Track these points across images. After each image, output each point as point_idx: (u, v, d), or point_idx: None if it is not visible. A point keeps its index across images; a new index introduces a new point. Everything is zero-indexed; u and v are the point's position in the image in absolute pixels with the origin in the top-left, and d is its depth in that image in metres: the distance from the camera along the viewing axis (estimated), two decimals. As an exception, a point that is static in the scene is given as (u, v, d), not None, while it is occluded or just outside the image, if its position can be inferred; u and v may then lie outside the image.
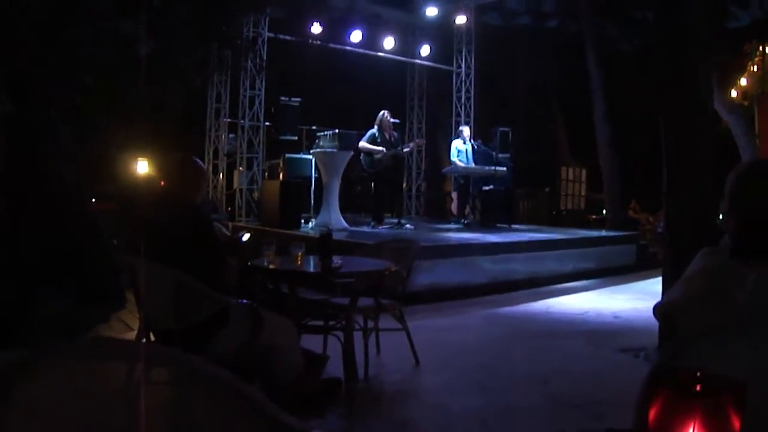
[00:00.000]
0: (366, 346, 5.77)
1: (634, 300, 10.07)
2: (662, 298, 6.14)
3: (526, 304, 9.66)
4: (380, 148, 13.12)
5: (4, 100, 8.58)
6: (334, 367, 5.18)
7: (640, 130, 20.94)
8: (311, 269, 5.54)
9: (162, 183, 4.80)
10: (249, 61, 12.23)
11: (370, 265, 5.78)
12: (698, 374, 1.85)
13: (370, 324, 5.95)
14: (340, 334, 5.27)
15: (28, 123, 8.66)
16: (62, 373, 1.61)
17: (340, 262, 5.25)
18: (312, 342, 5.43)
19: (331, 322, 5.49)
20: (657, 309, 2.76)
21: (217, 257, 4.36)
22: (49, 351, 1.62)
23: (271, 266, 5.22)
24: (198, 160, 4.74)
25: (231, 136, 17.01)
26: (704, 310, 2.43)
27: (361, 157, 13.36)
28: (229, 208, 16.48)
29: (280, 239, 10.60)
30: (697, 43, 6.86)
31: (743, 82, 20.01)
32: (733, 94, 19.00)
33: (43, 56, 8.03)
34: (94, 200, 11.21)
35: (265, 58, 14.33)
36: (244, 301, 4.42)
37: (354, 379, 5.23)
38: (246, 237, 5.01)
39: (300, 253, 5.40)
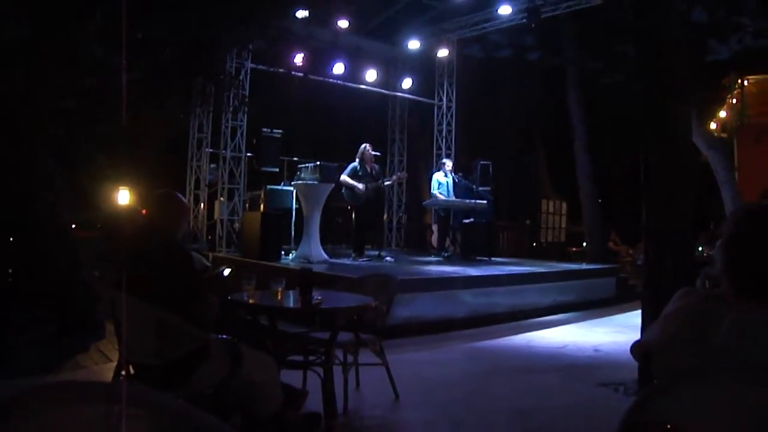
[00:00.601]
0: (345, 380, 5.76)
1: (614, 333, 10.11)
2: (640, 335, 6.17)
3: (507, 338, 9.66)
4: (361, 185, 13.15)
5: None
6: (314, 402, 5.17)
7: (620, 162, 21.10)
8: (291, 305, 5.53)
9: (144, 213, 4.80)
10: (232, 94, 12.25)
11: (349, 300, 5.78)
12: (668, 427, 1.87)
13: (350, 358, 5.94)
14: (320, 369, 5.26)
15: (10, 152, 8.65)
16: (38, 419, 1.60)
17: (320, 298, 5.24)
18: (291, 376, 5.41)
19: (311, 357, 5.47)
20: (634, 348, 2.78)
21: (197, 293, 4.35)
22: (23, 395, 1.61)
23: (251, 301, 5.22)
24: (180, 196, 4.74)
25: (212, 166, 17.01)
26: (680, 351, 2.45)
27: (343, 190, 13.39)
28: (210, 237, 16.44)
29: (260, 271, 10.62)
30: (676, 84, 6.94)
31: (722, 114, 20.21)
32: (713, 126, 19.18)
33: (26, 85, 8.04)
34: (74, 226, 11.16)
35: (247, 89, 14.36)
36: (224, 336, 4.41)
37: (333, 415, 5.21)
38: (227, 272, 5.02)
39: (280, 289, 5.40)
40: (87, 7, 7.97)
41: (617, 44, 22.97)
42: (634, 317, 8.99)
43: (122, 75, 7.27)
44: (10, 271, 8.97)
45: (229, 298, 5.21)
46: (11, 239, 9.23)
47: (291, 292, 5.69)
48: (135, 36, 7.91)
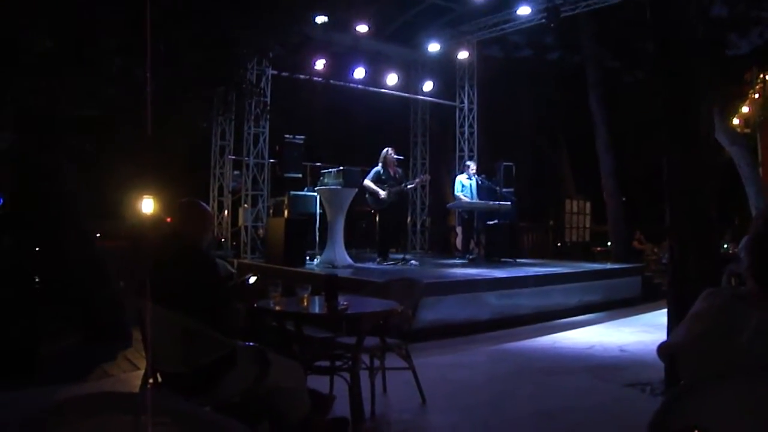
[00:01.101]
0: (372, 385, 5.75)
1: (640, 333, 10.06)
2: (667, 334, 6.15)
3: (533, 340, 9.63)
4: (384, 192, 13.17)
5: (7, 137, 8.67)
6: (341, 407, 5.18)
7: (644, 160, 20.98)
8: (317, 311, 5.55)
9: (168, 221, 4.83)
10: (253, 102, 12.28)
11: (375, 305, 5.76)
12: (695, 430, 1.86)
13: (377, 363, 5.94)
14: (347, 374, 5.28)
15: (34, 162, 8.74)
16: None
17: (345, 303, 5.25)
18: (318, 381, 5.42)
19: (338, 363, 5.49)
20: (660, 350, 2.77)
21: (223, 301, 4.37)
22: (55, 408, 1.63)
23: (277, 308, 5.24)
24: (204, 204, 4.76)
25: (236, 173, 17.11)
26: (707, 352, 2.45)
27: (366, 195, 13.41)
28: (234, 243, 16.53)
29: (285, 276, 10.66)
30: (697, 81, 6.90)
31: (745, 109, 20.08)
32: (735, 121, 19.05)
33: (49, 95, 8.11)
34: (98, 235, 11.25)
35: (269, 96, 14.37)
36: (251, 343, 4.42)
37: (361, 419, 5.23)
38: (252, 279, 5.04)
39: (306, 295, 5.42)
40: (109, 19, 8.03)
41: (636, 41, 22.88)
42: (660, 316, 8.93)
43: (145, 85, 7.32)
44: (36, 280, 9.06)
45: (256, 305, 5.23)
46: (37, 249, 9.33)
47: (317, 298, 5.71)
48: (157, 47, 7.96)
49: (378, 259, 13.68)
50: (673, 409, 1.89)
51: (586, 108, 21.38)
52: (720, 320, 2.47)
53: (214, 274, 4.47)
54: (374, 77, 17.68)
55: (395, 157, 13.73)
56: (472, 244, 15.29)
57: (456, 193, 14.77)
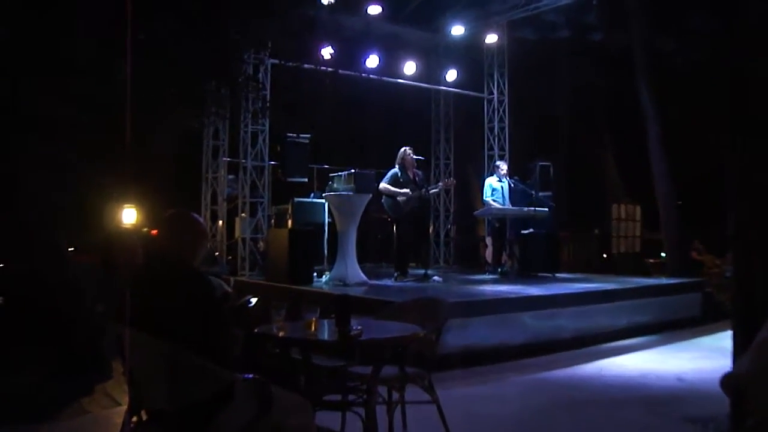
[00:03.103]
0: (390, 421, 5.72)
1: (701, 359, 10.02)
2: (732, 362, 6.11)
3: (574, 368, 9.60)
4: (405, 190, 13.17)
5: None
6: (355, 448, 5.19)
7: (702, 158, 20.84)
8: (326, 337, 5.54)
9: (153, 234, 4.82)
10: (251, 98, 12.27)
11: (393, 330, 5.73)
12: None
13: (395, 396, 5.92)
14: (361, 409, 5.26)
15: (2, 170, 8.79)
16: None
17: (359, 328, 5.23)
18: (328, 418, 5.42)
19: (351, 397, 5.47)
20: (724, 382, 2.76)
21: (218, 325, 4.37)
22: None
23: (281, 334, 5.25)
24: (195, 216, 4.75)
25: (231, 177, 17.14)
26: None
27: (383, 200, 13.40)
28: (230, 258, 16.54)
29: (289, 296, 10.68)
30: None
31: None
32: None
33: (9, 93, 8.15)
34: (72, 249, 11.27)
35: (268, 89, 14.34)
36: (251, 375, 4.42)
37: (377, 462, 5.22)
38: (253, 301, 5.05)
39: (314, 319, 5.43)
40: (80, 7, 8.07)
41: (694, 18, 22.75)
42: (724, 339, 8.85)
43: (125, 80, 7.34)
44: (0, 302, 9.11)
45: (256, 330, 5.23)
46: (1, 266, 9.37)
47: (326, 322, 5.71)
48: (137, 37, 7.98)
49: (396, 276, 13.66)
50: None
51: (635, 98, 21.28)
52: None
53: (208, 296, 4.46)
54: (389, 66, 17.68)
55: (415, 157, 13.72)
56: (503, 257, 15.29)
57: (485, 198, 14.80)
